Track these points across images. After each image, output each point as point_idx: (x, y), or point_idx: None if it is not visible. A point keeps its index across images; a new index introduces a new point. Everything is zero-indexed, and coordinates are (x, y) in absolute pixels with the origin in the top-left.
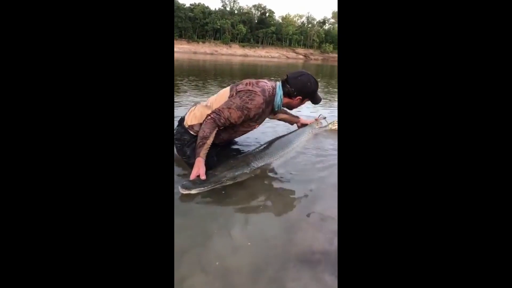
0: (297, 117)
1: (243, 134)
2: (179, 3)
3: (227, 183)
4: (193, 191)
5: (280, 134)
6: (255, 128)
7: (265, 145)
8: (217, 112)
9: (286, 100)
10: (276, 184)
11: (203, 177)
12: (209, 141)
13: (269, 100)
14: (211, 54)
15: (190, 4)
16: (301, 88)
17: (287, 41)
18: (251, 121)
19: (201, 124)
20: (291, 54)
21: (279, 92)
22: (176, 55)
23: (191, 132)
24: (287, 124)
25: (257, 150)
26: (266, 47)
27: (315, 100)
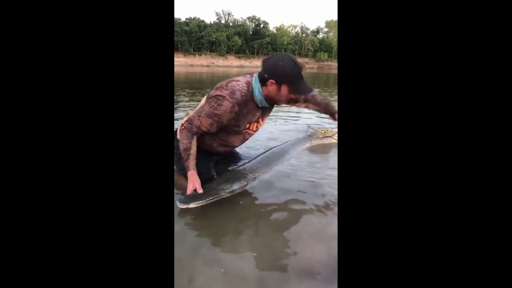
0: (334, 110)
1: (240, 141)
2: (175, 18)
3: (225, 196)
4: (191, 205)
5: (275, 144)
6: (250, 132)
7: (260, 156)
8: (189, 121)
9: (265, 91)
10: (280, 195)
11: (200, 190)
12: (193, 151)
13: (243, 100)
14: (208, 66)
15: (186, 18)
16: (271, 70)
17: (282, 51)
18: (233, 126)
19: None
20: None
21: (256, 85)
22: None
23: None
24: (282, 131)
25: (252, 160)
26: (262, 57)
27: (298, 88)
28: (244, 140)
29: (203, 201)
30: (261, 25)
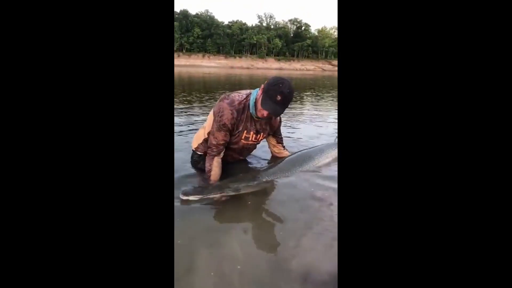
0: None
1: (241, 149)
2: (218, 21)
3: (230, 194)
4: (191, 198)
5: (302, 148)
6: (249, 143)
7: (281, 160)
8: (209, 146)
9: (258, 96)
10: (290, 203)
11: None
12: (213, 172)
13: (240, 107)
14: (248, 68)
15: (229, 22)
16: (266, 83)
17: (323, 54)
18: (233, 132)
19: (201, 143)
20: (327, 67)
21: (255, 93)
22: (214, 70)
23: (198, 153)
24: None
25: (271, 164)
26: (302, 60)
27: (265, 100)
28: (244, 150)
29: (205, 195)
30: (303, 28)
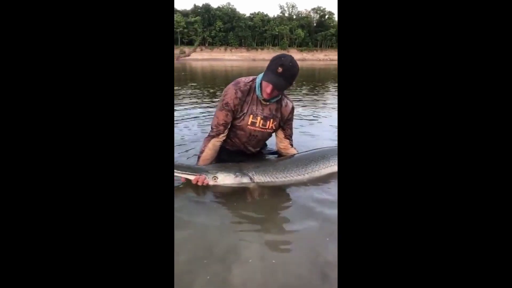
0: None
1: (246, 137)
2: (240, 14)
3: (208, 181)
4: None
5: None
6: (255, 129)
7: (279, 160)
8: (211, 126)
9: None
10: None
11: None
12: (204, 154)
13: (245, 88)
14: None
15: (250, 14)
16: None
17: None
18: (239, 115)
19: None
20: None
21: (260, 76)
22: (236, 63)
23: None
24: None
25: (266, 162)
26: (325, 50)
27: (267, 73)
28: (251, 137)
29: (180, 172)
30: (326, 16)
